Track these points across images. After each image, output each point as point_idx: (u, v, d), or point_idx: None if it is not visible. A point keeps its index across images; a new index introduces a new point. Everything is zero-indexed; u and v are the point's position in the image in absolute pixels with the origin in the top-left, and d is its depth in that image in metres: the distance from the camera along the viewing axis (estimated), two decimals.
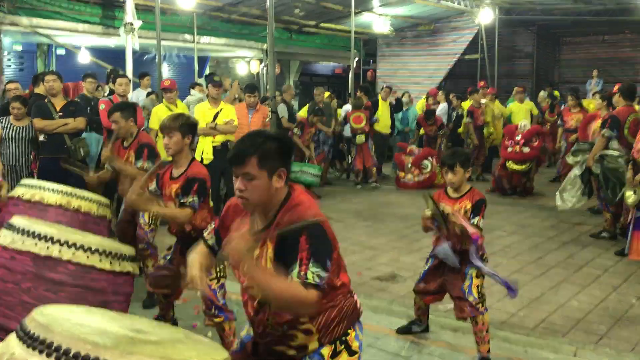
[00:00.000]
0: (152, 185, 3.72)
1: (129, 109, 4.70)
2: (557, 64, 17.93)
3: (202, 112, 6.70)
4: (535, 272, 5.57)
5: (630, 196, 5.59)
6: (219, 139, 6.73)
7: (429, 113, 10.52)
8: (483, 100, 10.45)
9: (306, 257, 1.95)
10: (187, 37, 12.35)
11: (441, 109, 11.26)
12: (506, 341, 4.11)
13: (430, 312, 4.19)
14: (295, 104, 11.68)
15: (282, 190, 2.14)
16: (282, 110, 9.29)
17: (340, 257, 2.21)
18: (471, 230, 3.51)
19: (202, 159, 6.45)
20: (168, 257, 3.77)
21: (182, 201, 3.49)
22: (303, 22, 13.98)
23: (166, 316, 4.10)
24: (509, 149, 8.85)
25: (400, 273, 5.52)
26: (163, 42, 9.17)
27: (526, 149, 8.73)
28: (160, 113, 6.39)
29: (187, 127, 3.65)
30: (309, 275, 1.93)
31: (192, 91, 8.99)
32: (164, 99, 6.86)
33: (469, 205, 3.69)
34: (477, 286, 3.73)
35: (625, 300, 4.86)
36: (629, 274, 5.48)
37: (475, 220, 3.63)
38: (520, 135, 8.78)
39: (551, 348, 4.01)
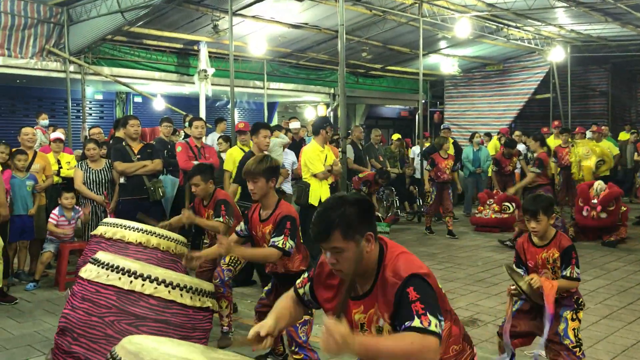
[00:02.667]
0: (242, 225, 3.78)
1: (207, 171, 4.79)
2: (634, 102, 17.24)
3: (317, 156, 6.55)
4: (627, 319, 5.18)
5: None
6: (330, 180, 6.74)
7: (510, 143, 10.06)
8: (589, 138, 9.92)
9: (422, 309, 1.88)
10: (258, 83, 12.70)
11: (521, 148, 11.01)
12: None
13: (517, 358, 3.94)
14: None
15: (374, 250, 2.08)
16: (350, 151, 9.31)
17: (449, 307, 2.21)
18: (550, 307, 3.35)
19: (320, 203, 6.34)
20: (266, 289, 3.87)
21: (273, 241, 3.50)
22: (370, 65, 14.12)
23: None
24: (584, 213, 8.27)
25: (481, 317, 5.26)
26: (235, 89, 9.44)
27: (603, 215, 8.11)
28: (235, 155, 6.49)
29: (270, 170, 3.67)
30: (431, 325, 1.86)
31: (279, 133, 9.07)
32: (237, 141, 6.97)
33: (556, 254, 3.51)
34: (574, 329, 3.49)
35: None
36: None
37: (568, 272, 3.46)
38: (596, 200, 8.15)
39: None
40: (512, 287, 3.55)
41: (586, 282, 6.35)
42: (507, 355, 3.65)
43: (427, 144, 11.26)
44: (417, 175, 10.89)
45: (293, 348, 3.47)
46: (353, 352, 1.79)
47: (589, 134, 11.06)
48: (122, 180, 6.33)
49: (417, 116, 12.39)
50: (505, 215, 9.31)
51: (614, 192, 8.26)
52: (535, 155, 8.35)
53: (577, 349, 3.46)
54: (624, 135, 12.62)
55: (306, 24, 11.11)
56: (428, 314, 1.87)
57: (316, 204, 6.17)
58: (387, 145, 11.91)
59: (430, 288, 1.99)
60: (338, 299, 2.08)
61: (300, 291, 2.30)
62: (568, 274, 3.45)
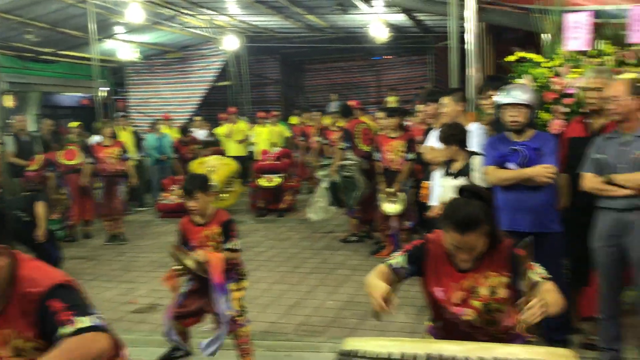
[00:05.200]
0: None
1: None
2: (302, 90, 19.23)
3: None
4: (293, 281, 5.80)
5: (388, 206, 6.18)
6: None
7: (183, 131, 10.47)
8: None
9: (71, 315, 1.79)
10: None
11: (202, 134, 11.50)
12: (269, 349, 4.18)
13: (192, 335, 4.05)
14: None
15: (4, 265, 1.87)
16: (11, 143, 8.53)
17: None
18: (217, 278, 3.55)
19: None
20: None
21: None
22: (39, 49, 12.83)
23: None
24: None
25: (162, 302, 5.28)
26: None
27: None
28: None
29: None
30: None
31: None
32: None
33: (217, 229, 3.68)
34: (238, 299, 3.73)
35: None
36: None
37: (230, 244, 3.65)
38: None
39: (311, 347, 4.18)
40: (177, 268, 3.63)
41: (262, 254, 6.90)
42: (170, 335, 3.74)
43: None
44: None
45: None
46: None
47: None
48: None
49: (95, 104, 11.71)
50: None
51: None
52: None
53: (241, 317, 3.72)
54: (293, 120, 13.99)
55: None
56: (77, 317, 1.78)
57: None
58: (68, 135, 11.03)
59: (74, 292, 1.89)
60: None
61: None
62: (230, 246, 3.67)
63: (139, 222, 9.37)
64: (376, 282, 2.27)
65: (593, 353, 3.73)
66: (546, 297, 2.08)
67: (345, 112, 7.50)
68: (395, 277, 2.40)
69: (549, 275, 2.25)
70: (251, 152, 10.99)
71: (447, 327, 2.37)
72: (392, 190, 6.12)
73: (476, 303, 2.25)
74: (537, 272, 2.24)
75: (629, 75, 4.03)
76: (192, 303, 3.78)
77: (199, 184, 3.67)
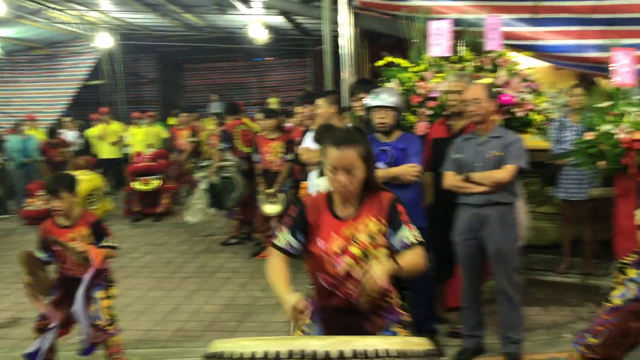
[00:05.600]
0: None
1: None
2: (182, 90, 18.79)
3: None
4: (170, 286, 5.64)
5: (268, 207, 6.16)
6: None
7: (51, 133, 9.86)
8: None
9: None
10: None
11: (72, 136, 10.90)
12: (144, 358, 4.03)
13: (60, 349, 3.81)
14: None
15: None
16: None
17: None
18: (97, 263, 3.40)
19: None
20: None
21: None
22: None
23: None
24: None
25: (24, 315, 4.92)
26: None
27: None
28: None
29: None
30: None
31: None
32: None
33: (85, 231, 3.50)
34: (107, 307, 3.57)
35: (252, 295, 5.30)
36: (254, 271, 6.00)
37: (107, 242, 3.53)
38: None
39: (187, 353, 4.09)
40: (27, 278, 3.40)
41: (137, 260, 6.65)
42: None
43: None
44: None
45: None
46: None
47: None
48: None
49: None
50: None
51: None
52: None
53: (111, 326, 3.56)
54: (171, 120, 13.61)
55: None
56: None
57: None
58: None
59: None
60: None
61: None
62: (108, 244, 3.52)
63: (1, 230, 8.69)
64: (282, 289, 2.16)
65: (458, 341, 3.98)
66: (406, 259, 2.15)
67: (232, 110, 7.32)
68: (290, 256, 2.33)
69: (422, 240, 2.26)
70: (126, 155, 10.55)
71: (322, 293, 2.33)
72: (271, 191, 6.15)
73: (355, 250, 2.22)
74: (413, 233, 2.24)
75: (487, 80, 4.35)
76: (57, 314, 3.56)
77: (65, 182, 3.47)
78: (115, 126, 10.85)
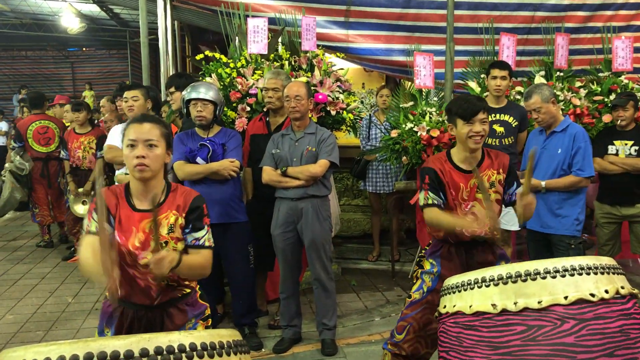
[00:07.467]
0: None
1: None
2: None
3: None
4: None
5: (79, 208, 5.73)
6: None
7: None
8: None
9: None
10: None
11: None
12: None
13: None
14: None
15: None
16: None
17: None
18: None
19: None
20: None
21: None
22: None
23: None
24: None
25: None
26: None
27: None
28: None
29: None
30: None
31: None
32: None
33: None
34: None
35: (62, 302, 4.93)
36: (65, 277, 5.58)
37: None
38: None
39: None
40: None
41: None
42: None
43: None
44: None
45: None
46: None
47: None
48: None
49: None
50: None
51: None
52: None
53: None
54: None
55: None
56: None
57: None
58: None
59: None
60: None
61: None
62: None
63: None
64: (95, 269, 2.00)
65: (278, 332, 4.07)
66: (191, 258, 2.19)
67: (36, 102, 6.63)
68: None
69: (209, 245, 2.28)
70: None
71: (126, 285, 2.25)
72: (82, 190, 5.77)
73: (153, 243, 2.15)
74: (203, 235, 2.26)
75: (303, 79, 4.50)
76: None
77: None
78: None
